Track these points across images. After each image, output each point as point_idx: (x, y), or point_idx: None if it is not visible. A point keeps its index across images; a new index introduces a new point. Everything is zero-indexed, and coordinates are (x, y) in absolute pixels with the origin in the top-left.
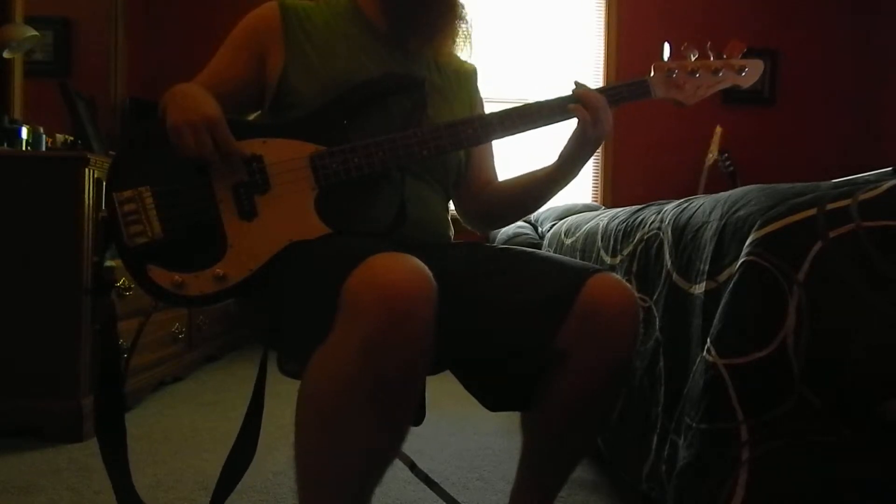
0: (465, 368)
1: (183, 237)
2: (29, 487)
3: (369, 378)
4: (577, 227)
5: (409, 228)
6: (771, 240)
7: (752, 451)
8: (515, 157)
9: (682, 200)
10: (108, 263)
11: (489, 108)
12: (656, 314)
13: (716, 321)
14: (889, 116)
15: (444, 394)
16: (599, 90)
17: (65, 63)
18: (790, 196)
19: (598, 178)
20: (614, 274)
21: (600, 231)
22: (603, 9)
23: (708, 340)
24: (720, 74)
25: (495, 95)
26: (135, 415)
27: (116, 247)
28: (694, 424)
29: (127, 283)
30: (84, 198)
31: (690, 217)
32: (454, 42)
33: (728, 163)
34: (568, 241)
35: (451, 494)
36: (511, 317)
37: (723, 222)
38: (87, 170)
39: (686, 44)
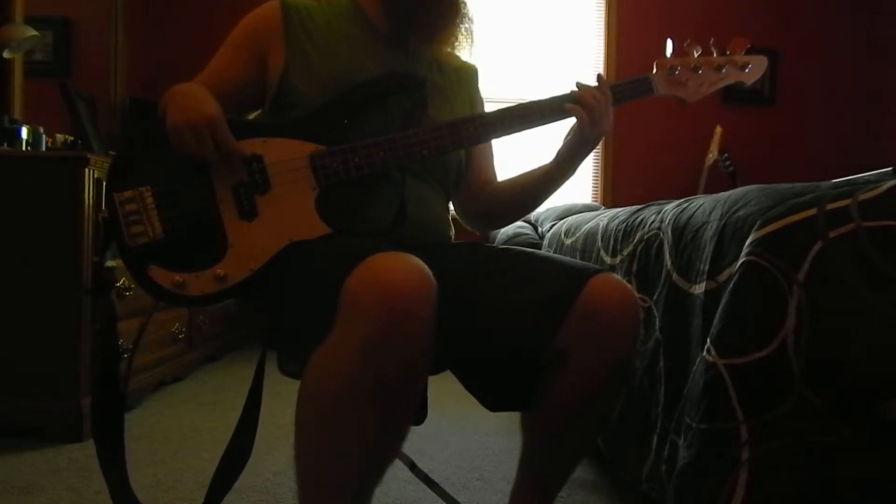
0: (465, 368)
1: (183, 237)
2: (29, 487)
3: (369, 378)
4: (577, 227)
5: (410, 228)
6: (771, 240)
7: (752, 451)
8: (514, 156)
9: (682, 200)
10: (109, 264)
11: (489, 108)
12: (656, 314)
13: (716, 321)
14: (889, 116)
15: (444, 394)
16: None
17: (65, 63)
18: (790, 196)
19: (598, 178)
20: (615, 274)
21: (600, 231)
22: (603, 9)
23: (708, 340)
24: (723, 71)
25: (495, 95)
26: (135, 415)
27: (117, 247)
28: (694, 424)
29: (127, 283)
30: (84, 198)
31: (690, 217)
32: (455, 41)
33: (728, 163)
34: (568, 241)
35: (451, 494)
36: (511, 317)
37: (723, 222)
38: (87, 170)
39: (689, 40)
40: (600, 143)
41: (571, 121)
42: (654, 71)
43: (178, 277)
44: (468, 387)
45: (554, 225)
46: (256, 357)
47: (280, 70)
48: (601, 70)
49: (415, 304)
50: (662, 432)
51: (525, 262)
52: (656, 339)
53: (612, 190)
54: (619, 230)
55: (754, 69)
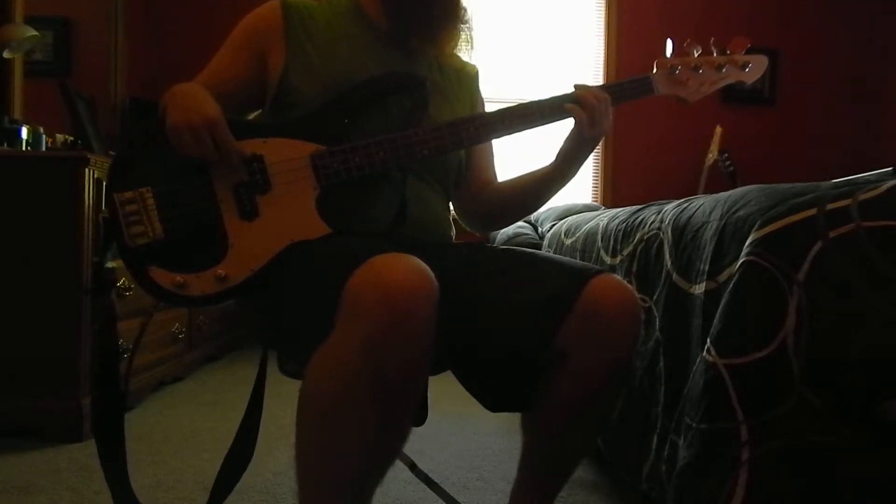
0: (465, 368)
1: (184, 237)
2: (29, 487)
3: (370, 378)
4: (577, 227)
5: (410, 228)
6: (771, 240)
7: (752, 451)
8: (514, 157)
9: (682, 200)
10: (109, 264)
11: (489, 108)
12: (656, 314)
13: (716, 321)
14: (889, 116)
15: (444, 394)
16: (603, 87)
17: (65, 63)
18: (790, 196)
19: (598, 178)
20: (615, 275)
21: (600, 231)
22: (603, 9)
23: (708, 340)
24: (723, 70)
25: (495, 95)
26: (135, 415)
27: (117, 247)
28: (694, 424)
29: (127, 283)
30: (84, 198)
31: (690, 217)
32: (456, 42)
33: (728, 163)
34: (568, 242)
35: (451, 494)
36: (511, 317)
37: (723, 222)
38: (87, 170)
39: (689, 40)
40: (600, 143)
41: (571, 121)
42: (655, 70)
43: (178, 278)
44: (468, 387)
45: (554, 225)
46: (256, 357)
47: (280, 70)
48: (601, 70)
49: (415, 304)
50: (662, 432)
51: (525, 262)
52: (656, 339)
53: (612, 190)
54: (619, 230)
55: (755, 69)
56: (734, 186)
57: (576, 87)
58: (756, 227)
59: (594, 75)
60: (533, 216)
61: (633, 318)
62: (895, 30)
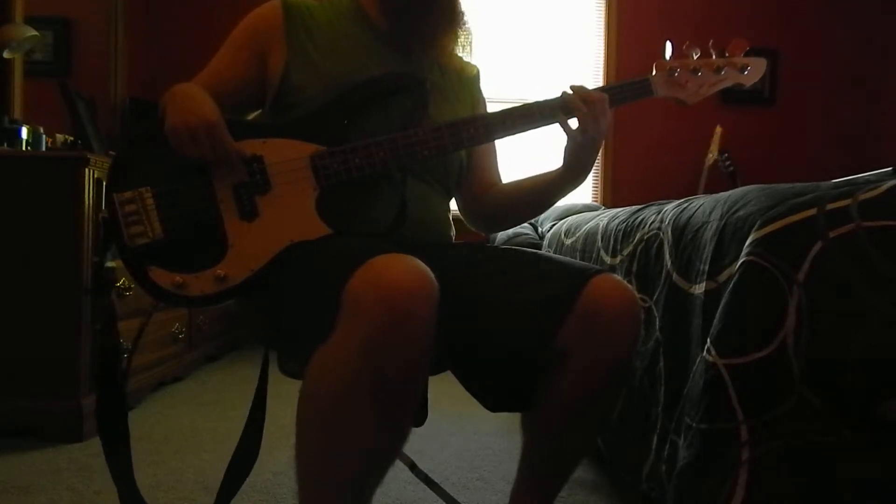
0: (465, 368)
1: (184, 238)
2: (29, 487)
3: (370, 378)
4: (577, 227)
5: (410, 229)
6: (771, 240)
7: (752, 451)
8: (515, 157)
9: (682, 200)
10: (109, 264)
11: (490, 109)
12: (656, 314)
13: (716, 321)
14: (889, 116)
15: (444, 394)
16: (602, 89)
17: (65, 63)
18: (790, 196)
19: (598, 178)
20: (615, 275)
21: (600, 231)
22: (603, 9)
23: (708, 340)
24: (722, 73)
25: (495, 95)
26: (135, 415)
27: (117, 247)
28: (694, 424)
29: (127, 283)
30: (84, 198)
31: (690, 217)
32: (454, 45)
33: (728, 163)
34: (568, 242)
35: (451, 494)
36: (511, 317)
37: (723, 222)
38: (87, 170)
39: (688, 42)
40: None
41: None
42: (654, 73)
43: (178, 278)
44: (468, 387)
45: (554, 225)
46: (256, 357)
47: (281, 70)
48: (601, 70)
49: (415, 304)
50: (662, 432)
51: (525, 262)
52: (656, 339)
53: (612, 190)
54: (619, 230)
55: (753, 71)
56: (734, 186)
57: (571, 87)
58: (756, 227)
59: (594, 75)
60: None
61: (633, 318)
62: (895, 30)
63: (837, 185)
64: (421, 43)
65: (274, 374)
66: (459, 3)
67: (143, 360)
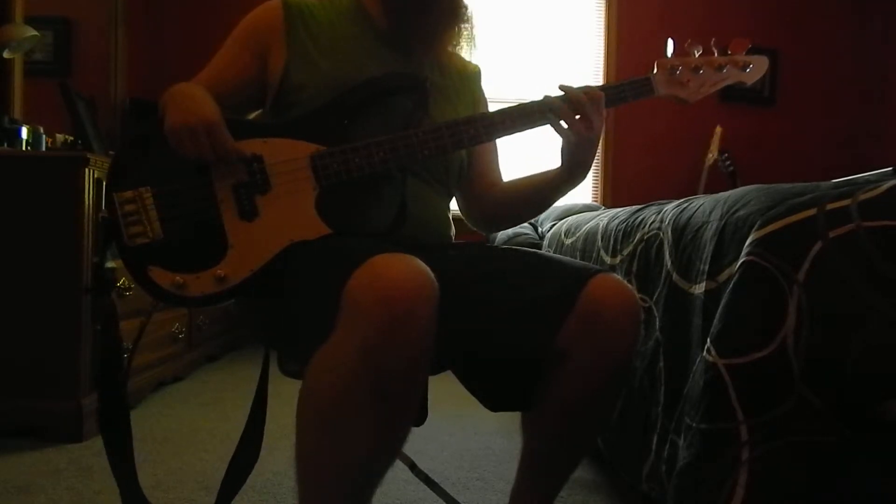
0: (465, 368)
1: (183, 238)
2: (29, 487)
3: (370, 378)
4: (577, 227)
5: (410, 228)
6: (771, 240)
7: (752, 451)
8: (515, 157)
9: (682, 200)
10: (110, 264)
11: (490, 109)
12: (656, 314)
13: (716, 321)
14: (889, 116)
15: (444, 394)
16: (602, 88)
17: (65, 63)
18: (790, 196)
19: (598, 178)
20: (616, 275)
21: (600, 231)
22: (603, 9)
23: (708, 340)
24: (724, 71)
25: (495, 95)
26: (135, 415)
27: (117, 247)
28: (694, 424)
29: (127, 283)
30: (84, 198)
31: (690, 217)
32: (458, 43)
33: (728, 163)
34: (568, 241)
35: (451, 494)
36: (512, 317)
37: (723, 222)
38: (87, 170)
39: (689, 40)
40: (600, 144)
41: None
42: (655, 71)
43: (178, 278)
44: (468, 387)
45: (554, 225)
46: (256, 357)
47: (281, 69)
48: (601, 70)
49: (415, 304)
50: (662, 432)
51: (525, 262)
52: (656, 339)
53: (612, 190)
54: (619, 230)
55: (755, 69)
56: (734, 186)
57: (560, 87)
58: (756, 227)
59: (594, 75)
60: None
61: (634, 319)
62: (895, 30)
63: (837, 185)
64: (423, 42)
65: (274, 374)
66: (462, 0)
67: (143, 360)
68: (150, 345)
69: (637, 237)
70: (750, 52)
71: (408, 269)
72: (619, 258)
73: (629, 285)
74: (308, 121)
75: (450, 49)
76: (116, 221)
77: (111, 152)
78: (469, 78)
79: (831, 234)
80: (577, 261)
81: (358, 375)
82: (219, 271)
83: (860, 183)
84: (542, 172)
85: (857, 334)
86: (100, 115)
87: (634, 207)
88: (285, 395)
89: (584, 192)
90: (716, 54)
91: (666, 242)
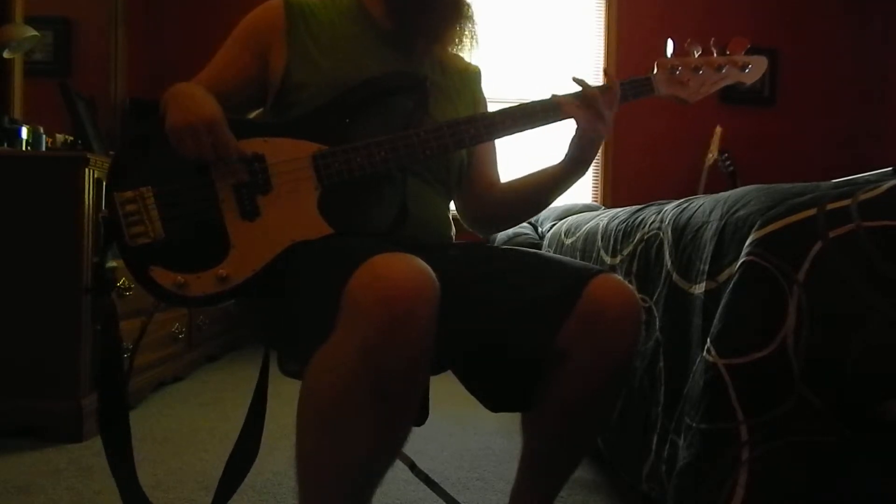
0: (465, 368)
1: (185, 237)
2: (29, 487)
3: (370, 378)
4: (577, 227)
5: (410, 228)
6: (771, 240)
7: (752, 451)
8: (515, 157)
9: (682, 200)
10: (110, 264)
11: (490, 109)
12: (656, 314)
13: (716, 321)
14: (889, 116)
15: (444, 394)
16: (603, 88)
17: (65, 63)
18: (790, 196)
19: (598, 178)
20: (616, 275)
21: (600, 231)
22: (603, 9)
23: (708, 340)
24: (724, 71)
25: (496, 95)
26: (135, 415)
27: (118, 247)
28: (694, 424)
29: (127, 283)
30: (84, 198)
31: (690, 217)
32: (459, 43)
33: (728, 163)
34: (568, 241)
35: (451, 494)
36: (512, 317)
37: (723, 222)
38: (87, 170)
39: (689, 40)
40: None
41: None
42: (655, 71)
43: (179, 278)
44: (468, 387)
45: (554, 225)
46: (256, 357)
47: (282, 69)
48: (601, 71)
49: (416, 304)
50: (662, 432)
51: (526, 262)
52: (656, 339)
53: (612, 190)
54: (619, 230)
55: (754, 70)
56: (734, 186)
57: (574, 80)
58: (756, 227)
59: (594, 75)
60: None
61: (634, 319)
62: (895, 30)
63: (837, 185)
64: (425, 42)
65: (274, 374)
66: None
67: (144, 360)
68: (150, 345)
69: (637, 237)
70: (749, 52)
71: (408, 269)
72: (619, 258)
73: (630, 286)
74: (309, 120)
75: (452, 48)
76: (117, 221)
77: (111, 152)
78: (469, 78)
79: (831, 234)
80: (578, 261)
81: (358, 375)
82: (220, 271)
83: (860, 183)
84: (541, 170)
85: (857, 334)
86: (100, 115)
87: (634, 207)
88: (285, 395)
89: (584, 192)
90: (715, 54)
91: (666, 242)
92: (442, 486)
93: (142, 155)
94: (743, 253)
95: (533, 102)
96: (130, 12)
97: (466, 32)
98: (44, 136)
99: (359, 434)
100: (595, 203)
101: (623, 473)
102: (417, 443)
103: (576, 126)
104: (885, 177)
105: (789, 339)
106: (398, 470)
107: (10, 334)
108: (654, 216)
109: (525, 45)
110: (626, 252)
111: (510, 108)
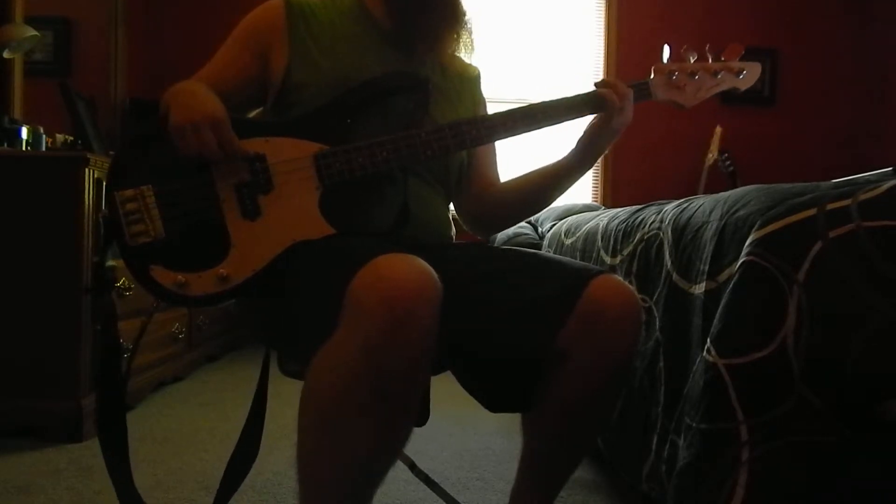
0: (465, 369)
1: (185, 237)
2: (29, 487)
3: (371, 378)
4: (577, 227)
5: (411, 228)
6: (771, 240)
7: (752, 451)
8: (516, 157)
9: (682, 200)
10: (110, 263)
11: (490, 109)
12: (656, 314)
13: (716, 321)
14: (889, 116)
15: (445, 394)
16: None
17: (65, 63)
18: (790, 196)
19: (598, 178)
20: (616, 275)
21: (600, 231)
22: (603, 9)
23: (708, 340)
24: (719, 76)
25: (496, 96)
26: (135, 415)
27: (118, 246)
28: (694, 424)
29: (127, 282)
30: (84, 198)
31: (690, 217)
32: (459, 44)
33: (728, 163)
34: (568, 242)
35: (451, 494)
36: (512, 317)
37: (723, 222)
38: (87, 170)
39: (685, 46)
40: None
41: (577, 122)
42: (652, 76)
43: (179, 277)
44: (468, 387)
45: (554, 225)
46: (256, 357)
47: (283, 69)
48: (601, 71)
49: (417, 305)
50: (662, 432)
51: (526, 262)
52: (656, 339)
53: (612, 190)
54: (619, 230)
55: (749, 76)
56: (734, 186)
57: (598, 83)
58: (756, 227)
59: (594, 76)
60: (533, 216)
61: (634, 319)
62: (895, 30)
63: (837, 185)
64: (425, 42)
65: (274, 374)
66: (461, 3)
67: (143, 360)
68: (150, 345)
69: (637, 237)
70: (746, 56)
71: (410, 270)
72: (619, 258)
73: (630, 286)
74: (310, 120)
75: (451, 51)
76: (118, 220)
77: (111, 152)
78: (470, 80)
79: (831, 234)
80: (578, 261)
81: (359, 375)
82: (221, 271)
83: (860, 183)
84: (544, 166)
85: (857, 334)
86: (100, 115)
87: (634, 207)
88: (285, 395)
89: (584, 192)
90: (710, 60)
91: (666, 242)
92: (442, 486)
93: (142, 154)
94: (743, 253)
95: (536, 104)
96: (130, 12)
97: (464, 38)
98: (44, 136)
99: (360, 434)
100: (595, 203)
101: (623, 473)
102: (417, 443)
103: (599, 118)
104: (885, 177)
105: (789, 339)
106: (398, 470)
107: (10, 334)
108: (654, 216)
109: (525, 45)
110: (626, 252)
111: (512, 109)
